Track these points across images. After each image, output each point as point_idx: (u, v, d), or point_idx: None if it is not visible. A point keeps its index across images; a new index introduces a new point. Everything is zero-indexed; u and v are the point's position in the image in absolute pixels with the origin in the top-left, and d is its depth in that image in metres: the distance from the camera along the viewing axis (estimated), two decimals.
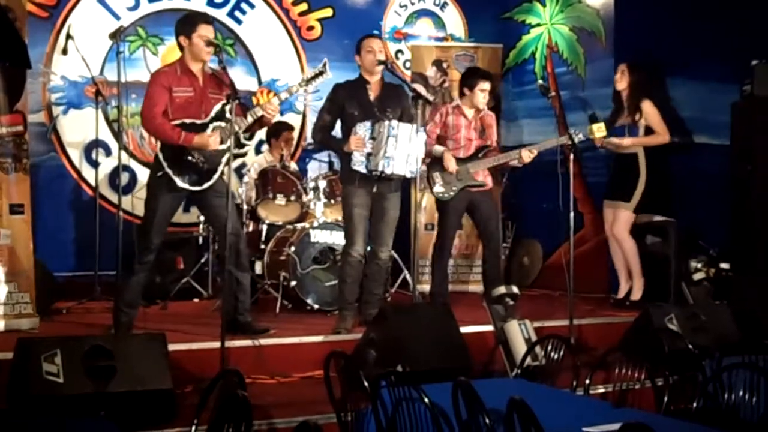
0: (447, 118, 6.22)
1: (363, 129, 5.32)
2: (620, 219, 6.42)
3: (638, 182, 6.34)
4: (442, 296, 6.15)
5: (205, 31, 5.03)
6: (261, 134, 6.96)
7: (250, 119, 5.04)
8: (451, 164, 6.06)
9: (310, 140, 7.46)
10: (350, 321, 5.42)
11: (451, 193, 6.11)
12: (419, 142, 5.32)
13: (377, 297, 5.60)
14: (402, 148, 5.28)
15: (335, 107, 5.49)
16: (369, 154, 5.30)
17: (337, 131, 5.64)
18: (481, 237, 6.38)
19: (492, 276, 6.19)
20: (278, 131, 7.04)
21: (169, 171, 4.97)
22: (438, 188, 6.13)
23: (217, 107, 5.06)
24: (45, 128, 7.01)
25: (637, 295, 6.43)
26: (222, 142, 5.01)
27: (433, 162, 6.18)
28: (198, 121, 5.02)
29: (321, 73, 5.22)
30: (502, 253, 6.43)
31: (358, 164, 5.32)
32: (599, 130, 5.83)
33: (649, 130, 6.34)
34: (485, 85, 6.16)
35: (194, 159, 4.97)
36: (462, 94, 6.29)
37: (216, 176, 5.06)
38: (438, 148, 6.14)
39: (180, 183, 4.99)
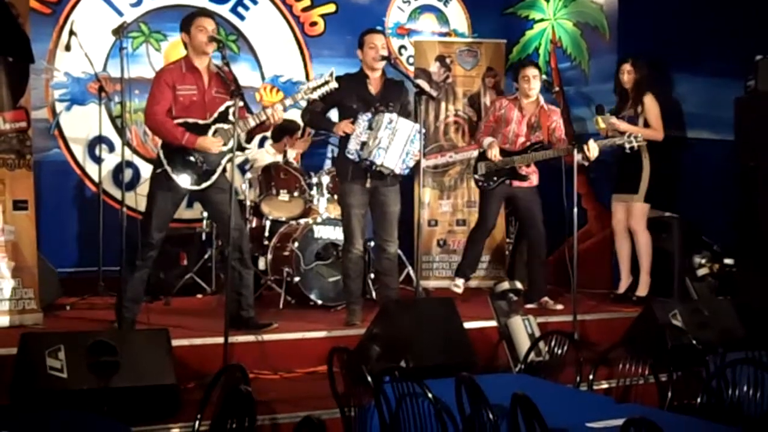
0: (500, 111, 6.24)
1: (363, 119, 5.32)
2: (635, 212, 6.41)
3: (642, 172, 6.34)
4: (467, 275, 6.31)
5: (203, 22, 5.03)
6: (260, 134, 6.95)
7: (252, 123, 5.03)
8: (492, 152, 6.07)
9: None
10: (360, 314, 5.46)
11: (491, 184, 6.17)
12: (419, 143, 5.28)
13: (396, 290, 5.61)
14: (398, 143, 5.28)
15: (330, 98, 5.47)
16: (364, 143, 5.30)
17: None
18: (524, 236, 6.40)
19: (536, 280, 6.22)
20: (293, 129, 7.04)
21: (168, 168, 4.99)
22: (479, 177, 6.23)
23: (221, 108, 5.06)
24: (48, 124, 7.02)
25: (643, 290, 6.42)
26: (224, 144, 5.01)
27: (482, 153, 6.26)
28: (201, 122, 5.02)
29: (327, 83, 5.21)
30: (545, 255, 6.42)
31: (352, 152, 5.32)
32: (605, 121, 5.90)
33: (646, 124, 6.35)
34: (527, 71, 6.16)
35: (194, 159, 4.98)
36: (517, 89, 6.35)
37: (215, 177, 5.07)
38: (487, 139, 6.18)
39: (178, 181, 5.00)
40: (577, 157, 5.71)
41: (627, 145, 5.89)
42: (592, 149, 5.70)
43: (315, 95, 5.26)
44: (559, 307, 6.04)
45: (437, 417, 2.89)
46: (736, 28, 6.40)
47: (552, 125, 6.17)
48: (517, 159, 6.11)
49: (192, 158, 4.98)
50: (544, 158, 6.09)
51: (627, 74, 6.40)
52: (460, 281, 6.28)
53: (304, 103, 5.57)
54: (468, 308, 5.78)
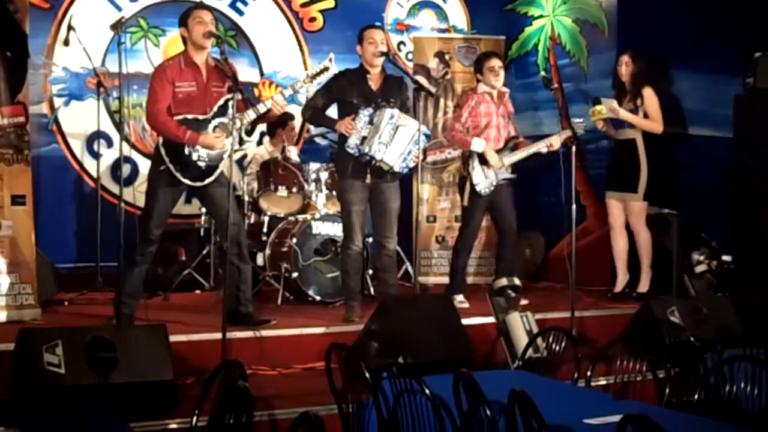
0: (480, 106, 6.14)
1: (364, 114, 5.31)
2: (634, 210, 6.39)
3: (640, 170, 6.33)
4: (458, 290, 6.10)
5: (200, 14, 5.03)
6: (261, 126, 6.95)
7: (253, 115, 5.03)
8: (494, 160, 5.99)
9: (314, 131, 7.45)
10: (358, 310, 5.45)
11: (491, 188, 6.04)
12: (421, 144, 5.26)
13: (394, 286, 5.61)
14: (400, 141, 5.27)
15: (331, 94, 5.48)
16: (364, 138, 5.29)
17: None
18: (497, 228, 6.29)
19: (506, 271, 6.17)
20: (285, 121, 7.02)
21: (171, 166, 4.98)
22: (479, 183, 6.03)
23: (220, 102, 5.05)
24: (46, 119, 7.01)
25: (644, 287, 6.42)
26: (226, 138, 4.99)
27: (472, 155, 6.09)
28: (201, 117, 5.01)
29: (326, 69, 5.19)
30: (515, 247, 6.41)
31: (352, 147, 5.31)
32: (601, 112, 5.92)
33: (646, 117, 6.35)
34: (491, 63, 6.11)
35: (195, 155, 4.97)
36: (478, 82, 6.25)
37: (217, 173, 5.07)
38: (477, 142, 6.02)
39: (181, 178, 4.99)
40: (541, 147, 5.97)
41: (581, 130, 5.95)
42: (555, 142, 5.90)
43: (315, 83, 5.25)
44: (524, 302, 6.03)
45: (435, 413, 2.89)
46: (736, 25, 6.40)
47: (512, 117, 6.24)
48: (507, 160, 6.06)
49: (193, 155, 4.98)
50: (528, 153, 6.10)
51: (625, 66, 6.39)
52: (461, 296, 6.06)
53: (303, 94, 5.56)
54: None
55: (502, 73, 6.15)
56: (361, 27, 5.61)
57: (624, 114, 6.23)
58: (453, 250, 6.34)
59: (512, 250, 6.31)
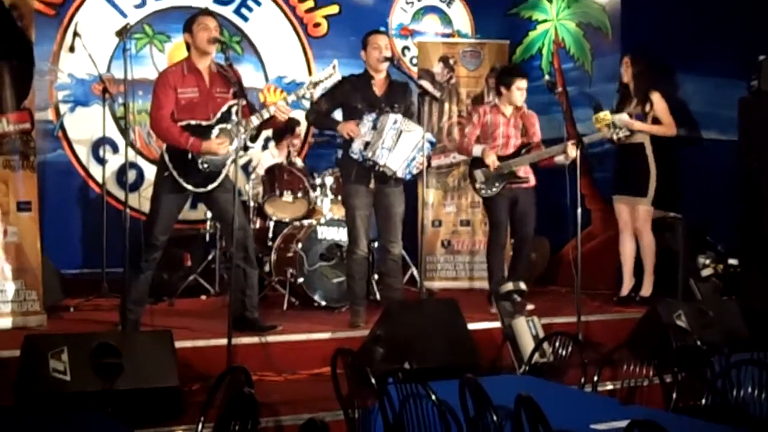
0: (485, 117, 6.15)
1: (368, 119, 5.31)
2: (641, 214, 6.36)
3: (650, 174, 6.31)
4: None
5: (205, 20, 5.04)
6: (266, 131, 6.95)
7: (257, 121, 5.03)
8: (490, 159, 5.99)
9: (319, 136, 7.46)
10: (364, 315, 5.45)
11: (494, 189, 6.05)
12: (425, 151, 5.26)
13: (399, 291, 5.61)
14: (404, 147, 5.26)
15: (335, 99, 5.49)
16: (367, 143, 5.29)
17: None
18: (514, 236, 6.29)
19: (516, 270, 6.16)
20: (293, 128, 7.03)
21: (174, 172, 4.98)
22: (479, 185, 6.09)
23: (224, 108, 5.05)
24: (52, 126, 7.03)
25: (647, 291, 6.40)
26: (229, 143, 4.99)
27: (474, 161, 6.14)
28: (204, 123, 5.02)
29: (330, 76, 5.19)
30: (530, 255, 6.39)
31: (355, 152, 5.32)
32: (605, 118, 5.90)
33: (656, 121, 6.33)
34: (522, 84, 6.10)
35: (199, 161, 4.98)
36: (499, 93, 6.20)
37: (220, 178, 5.07)
38: (477, 147, 6.08)
39: (184, 184, 4.99)
40: (560, 158, 5.81)
41: (615, 137, 5.91)
42: (571, 150, 5.70)
43: (319, 89, 5.25)
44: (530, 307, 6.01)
45: (441, 419, 2.88)
46: (740, 28, 6.39)
47: (532, 130, 6.18)
48: (513, 162, 6.05)
49: (197, 161, 4.98)
50: (539, 159, 6.06)
51: (626, 68, 6.39)
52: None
53: (307, 101, 5.56)
54: (472, 309, 5.79)
55: (524, 93, 6.13)
56: (365, 32, 5.62)
57: (639, 125, 6.19)
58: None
59: (527, 258, 6.31)
